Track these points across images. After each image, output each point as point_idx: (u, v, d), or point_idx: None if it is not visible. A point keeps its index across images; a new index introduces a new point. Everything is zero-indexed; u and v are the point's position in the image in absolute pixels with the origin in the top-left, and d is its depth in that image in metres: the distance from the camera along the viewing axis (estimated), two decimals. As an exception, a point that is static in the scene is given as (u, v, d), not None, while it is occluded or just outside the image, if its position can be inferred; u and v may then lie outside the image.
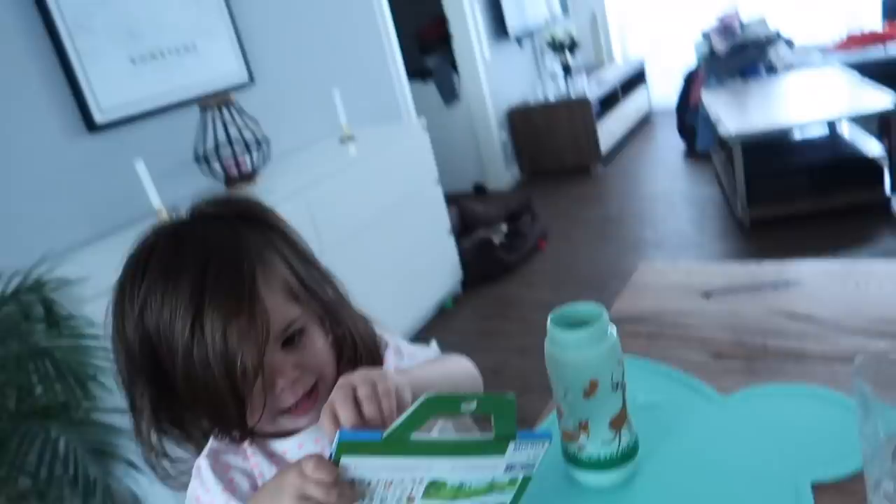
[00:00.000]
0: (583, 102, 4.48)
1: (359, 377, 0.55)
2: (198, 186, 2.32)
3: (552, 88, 4.73)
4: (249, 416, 0.60)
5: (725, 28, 4.28)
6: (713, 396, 0.75)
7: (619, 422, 0.65)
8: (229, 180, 2.36)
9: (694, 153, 4.33)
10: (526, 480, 0.56)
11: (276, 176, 2.45)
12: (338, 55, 3.11)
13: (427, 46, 4.73)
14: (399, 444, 0.49)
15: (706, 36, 4.34)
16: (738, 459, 0.66)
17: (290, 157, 2.74)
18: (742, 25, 4.30)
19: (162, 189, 2.05)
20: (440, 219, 2.99)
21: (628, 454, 0.66)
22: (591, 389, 0.62)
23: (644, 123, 5.44)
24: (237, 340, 0.55)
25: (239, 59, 2.60)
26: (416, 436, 0.49)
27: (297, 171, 2.49)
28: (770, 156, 3.23)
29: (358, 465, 0.49)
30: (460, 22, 4.29)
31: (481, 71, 4.38)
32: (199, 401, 0.58)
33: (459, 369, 0.75)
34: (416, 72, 4.44)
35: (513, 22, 4.56)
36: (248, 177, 2.37)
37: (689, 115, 4.37)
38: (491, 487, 0.55)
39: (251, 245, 0.60)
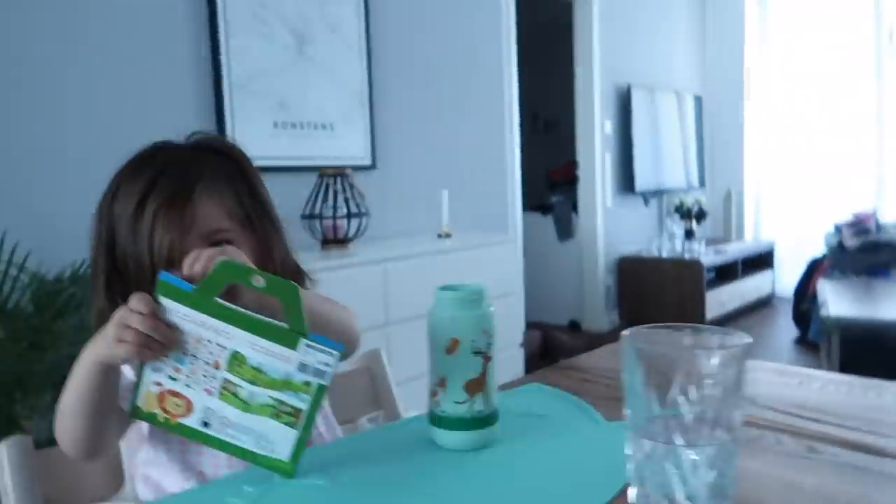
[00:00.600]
0: (695, 265, 4.45)
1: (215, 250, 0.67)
2: (296, 239, 2.60)
3: (668, 246, 4.76)
4: None
5: (859, 224, 4.17)
6: (599, 420, 0.79)
7: (474, 387, 0.71)
8: (325, 241, 2.62)
9: (806, 341, 4.11)
10: (321, 389, 0.64)
11: (367, 246, 2.68)
12: (459, 161, 3.41)
13: (555, 185, 5.00)
14: (204, 302, 0.60)
15: (838, 229, 4.24)
16: (590, 468, 0.69)
17: (386, 238, 2.99)
18: (878, 226, 4.17)
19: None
20: (514, 331, 3.06)
21: (479, 422, 0.71)
22: (451, 347, 0.70)
23: (763, 305, 5.24)
24: (163, 226, 0.71)
25: (367, 144, 2.95)
26: (221, 301, 0.60)
27: (386, 247, 2.71)
28: (872, 348, 3.03)
29: (173, 310, 0.60)
30: (589, 169, 4.52)
31: (599, 216, 4.53)
32: (134, 277, 0.73)
33: (340, 314, 0.82)
34: (539, 206, 4.69)
35: (642, 181, 4.72)
36: (343, 241, 2.62)
37: (806, 301, 4.21)
38: (287, 384, 0.63)
39: (206, 165, 0.77)
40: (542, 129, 5.71)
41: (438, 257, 2.74)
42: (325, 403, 0.89)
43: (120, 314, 0.60)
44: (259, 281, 0.60)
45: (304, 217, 2.62)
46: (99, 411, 0.67)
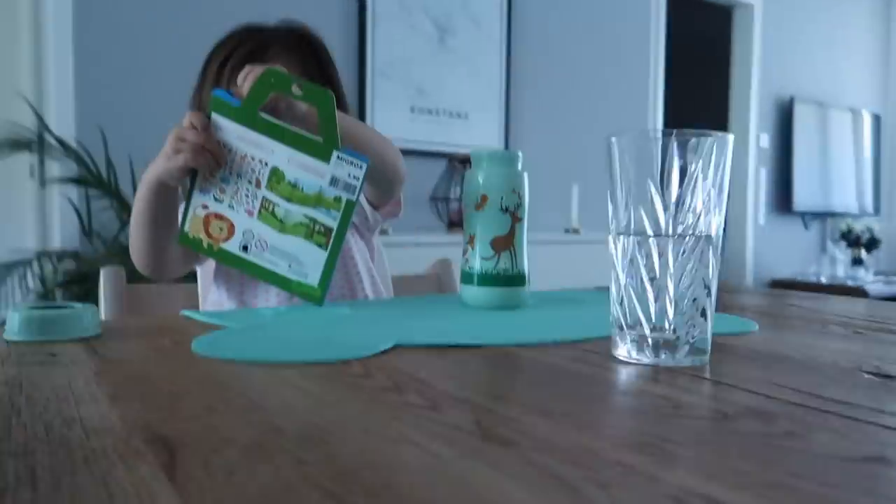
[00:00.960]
0: (859, 293, 4.03)
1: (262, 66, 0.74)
2: (423, 220, 2.72)
3: (828, 272, 4.35)
4: None
5: None
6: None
7: (501, 244, 0.73)
8: (451, 223, 2.71)
9: None
10: (350, 206, 0.69)
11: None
12: (591, 159, 3.38)
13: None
14: (250, 115, 0.67)
15: None
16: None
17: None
18: None
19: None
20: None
21: (505, 279, 0.73)
22: (480, 203, 0.73)
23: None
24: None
25: (500, 135, 3.02)
26: (265, 115, 0.68)
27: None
28: None
29: (223, 127, 0.69)
30: (740, 183, 4.27)
31: (750, 234, 4.26)
32: None
33: (385, 142, 0.87)
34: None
35: (802, 200, 4.37)
36: (466, 224, 2.70)
37: None
38: (319, 200, 0.69)
39: (282, 37, 0.89)
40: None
41: (565, 248, 2.73)
42: (385, 285, 0.95)
43: (176, 130, 0.70)
44: (297, 90, 0.68)
45: (431, 199, 2.73)
46: (158, 227, 0.77)
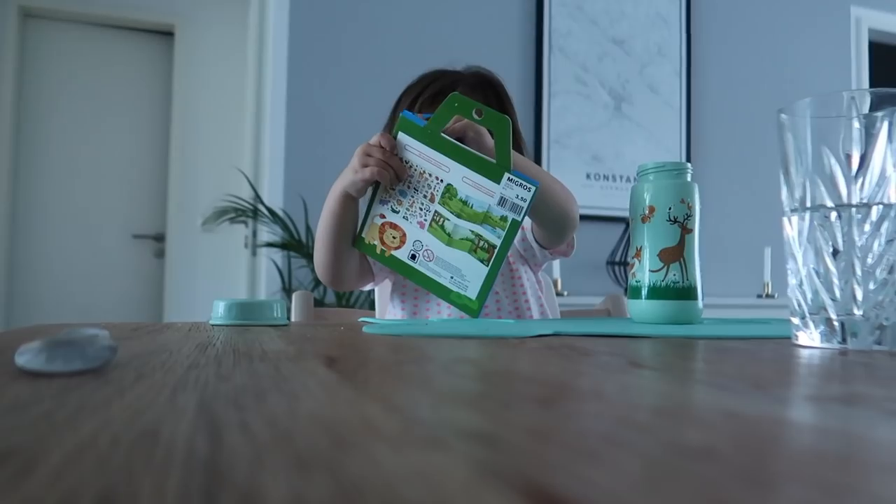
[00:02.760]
0: None
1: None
2: (601, 284, 2.67)
3: None
4: None
5: None
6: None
7: (670, 255, 0.71)
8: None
9: None
10: (514, 225, 0.70)
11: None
12: (779, 220, 3.13)
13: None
14: (433, 136, 0.72)
15: None
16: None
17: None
18: None
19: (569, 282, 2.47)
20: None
21: (675, 292, 0.70)
22: (648, 215, 0.72)
23: None
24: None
25: (680, 200, 2.92)
26: (446, 136, 0.72)
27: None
28: None
29: (407, 145, 0.74)
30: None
31: None
32: None
33: (557, 183, 0.88)
34: None
35: None
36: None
37: None
38: (486, 218, 0.71)
39: (468, 79, 0.94)
40: None
41: (757, 312, 2.52)
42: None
43: (363, 146, 0.77)
44: (477, 115, 0.72)
45: (608, 263, 2.68)
46: (341, 236, 0.83)
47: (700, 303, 0.71)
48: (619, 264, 2.66)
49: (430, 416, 0.20)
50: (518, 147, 0.96)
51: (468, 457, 0.15)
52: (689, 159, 2.94)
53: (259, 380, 0.27)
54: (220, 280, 2.53)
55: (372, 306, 1.03)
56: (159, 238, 3.02)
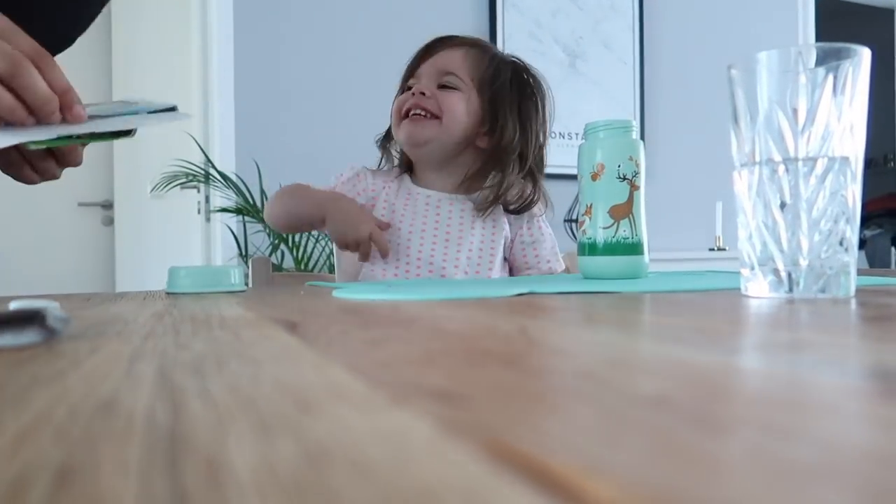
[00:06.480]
0: None
1: None
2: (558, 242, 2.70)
3: None
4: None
5: None
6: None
7: (620, 212, 0.72)
8: (585, 245, 2.68)
9: None
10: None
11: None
12: (730, 175, 3.20)
13: (870, 217, 4.36)
14: None
15: None
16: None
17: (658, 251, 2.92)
18: None
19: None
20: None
21: (625, 247, 0.71)
22: (597, 172, 0.73)
23: None
24: (415, 57, 0.93)
25: (634, 156, 2.95)
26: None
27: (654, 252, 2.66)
28: None
29: None
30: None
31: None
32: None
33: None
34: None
35: None
36: (601, 245, 2.65)
37: None
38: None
39: (466, 42, 0.94)
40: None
41: (710, 265, 2.59)
42: None
43: (370, 233, 0.84)
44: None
45: (566, 221, 2.71)
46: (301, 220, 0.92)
47: (646, 257, 0.73)
48: (575, 221, 2.69)
49: (394, 377, 0.20)
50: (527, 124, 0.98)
51: (432, 415, 0.15)
52: (642, 116, 2.97)
53: (219, 347, 0.26)
54: (174, 247, 2.48)
55: (331, 269, 1.03)
56: (107, 206, 2.93)
